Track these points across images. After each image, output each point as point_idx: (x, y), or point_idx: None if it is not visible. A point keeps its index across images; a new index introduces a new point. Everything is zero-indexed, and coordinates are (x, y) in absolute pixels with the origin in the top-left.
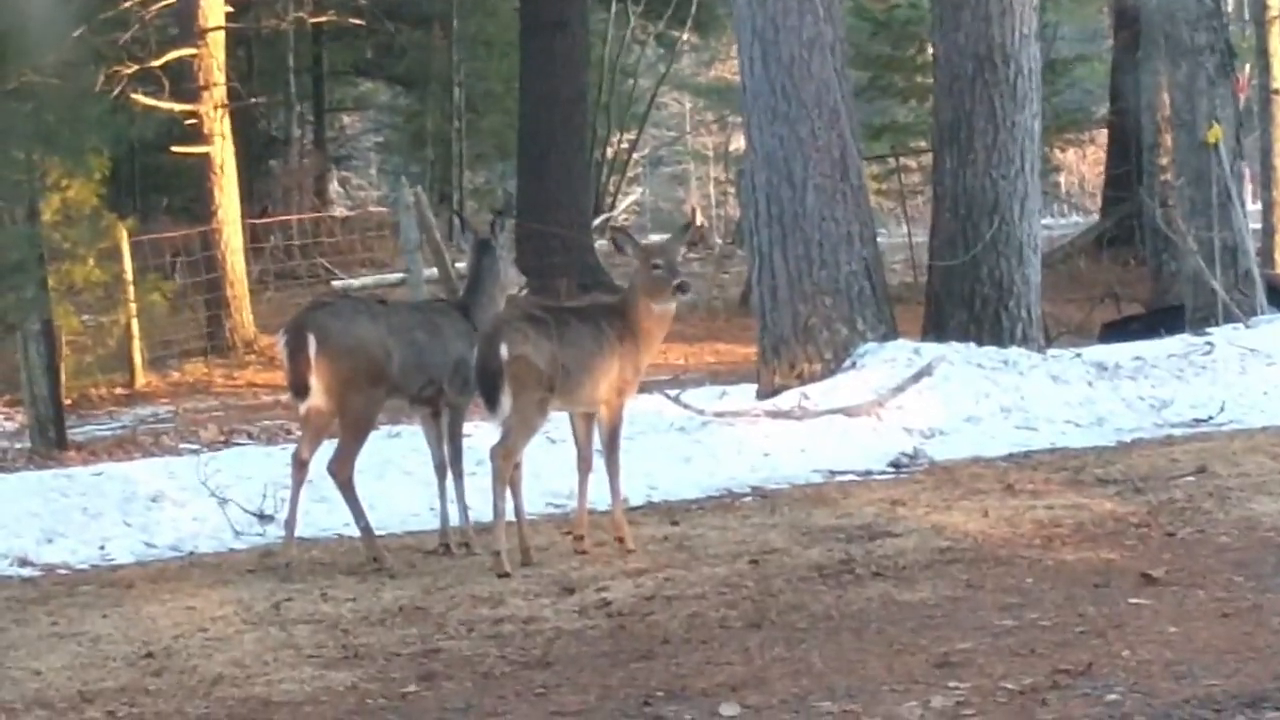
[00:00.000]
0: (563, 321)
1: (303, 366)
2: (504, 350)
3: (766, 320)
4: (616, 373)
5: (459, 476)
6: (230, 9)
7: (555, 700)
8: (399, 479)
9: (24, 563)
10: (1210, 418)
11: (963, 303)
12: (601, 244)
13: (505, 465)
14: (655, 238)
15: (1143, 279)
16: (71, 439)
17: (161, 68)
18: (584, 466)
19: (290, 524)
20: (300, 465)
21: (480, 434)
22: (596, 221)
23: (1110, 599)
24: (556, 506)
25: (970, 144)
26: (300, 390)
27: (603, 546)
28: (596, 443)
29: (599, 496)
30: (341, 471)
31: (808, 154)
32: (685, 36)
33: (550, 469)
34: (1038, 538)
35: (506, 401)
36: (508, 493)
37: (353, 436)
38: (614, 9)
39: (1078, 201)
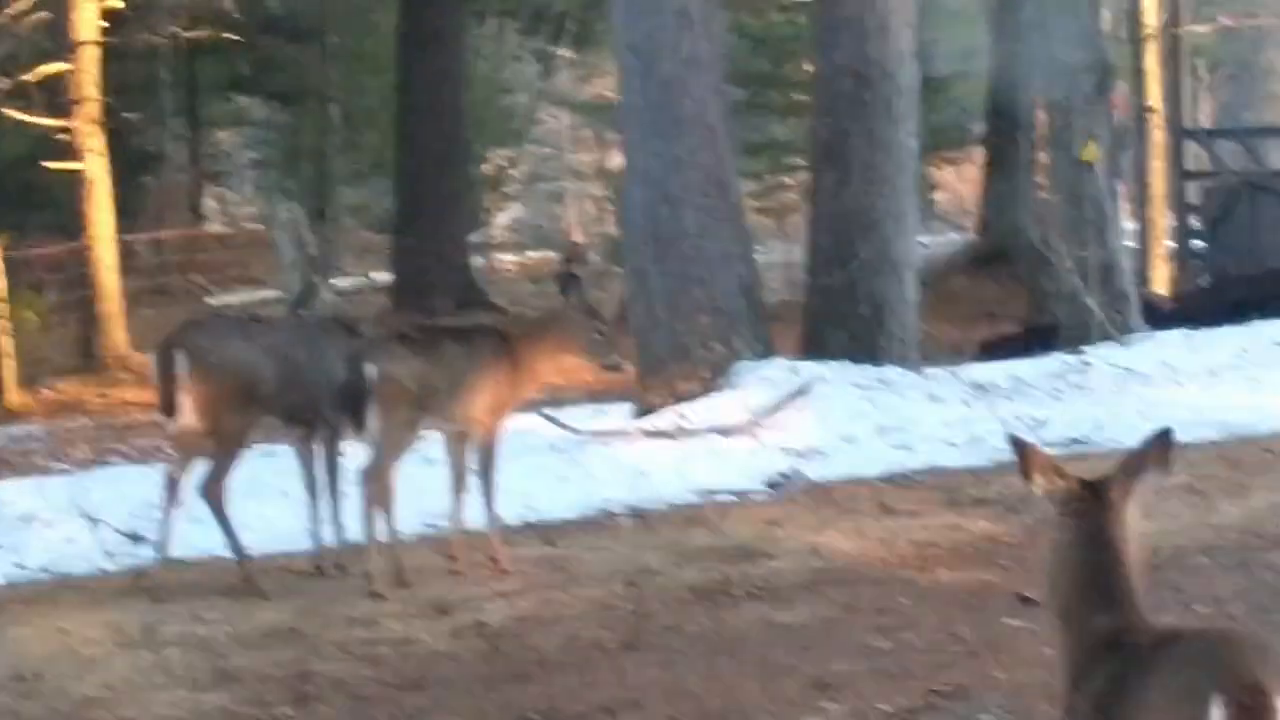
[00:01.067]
0: (434, 340)
1: (172, 385)
2: (371, 370)
3: (643, 339)
4: (491, 392)
5: (334, 497)
6: (104, 24)
7: None
8: (273, 499)
9: None
10: (1087, 437)
11: (840, 321)
12: (478, 261)
13: (376, 486)
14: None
15: (1019, 297)
16: None
17: (34, 83)
18: (459, 486)
19: (162, 545)
20: (172, 485)
21: (355, 454)
22: (473, 238)
23: (986, 620)
24: (432, 527)
25: (847, 162)
26: (170, 409)
27: (478, 567)
28: (472, 463)
29: (474, 517)
30: (213, 492)
31: (685, 172)
32: (563, 52)
33: (426, 489)
34: (914, 558)
35: (374, 421)
36: (380, 514)
37: (224, 456)
38: (493, 25)
39: (955, 219)
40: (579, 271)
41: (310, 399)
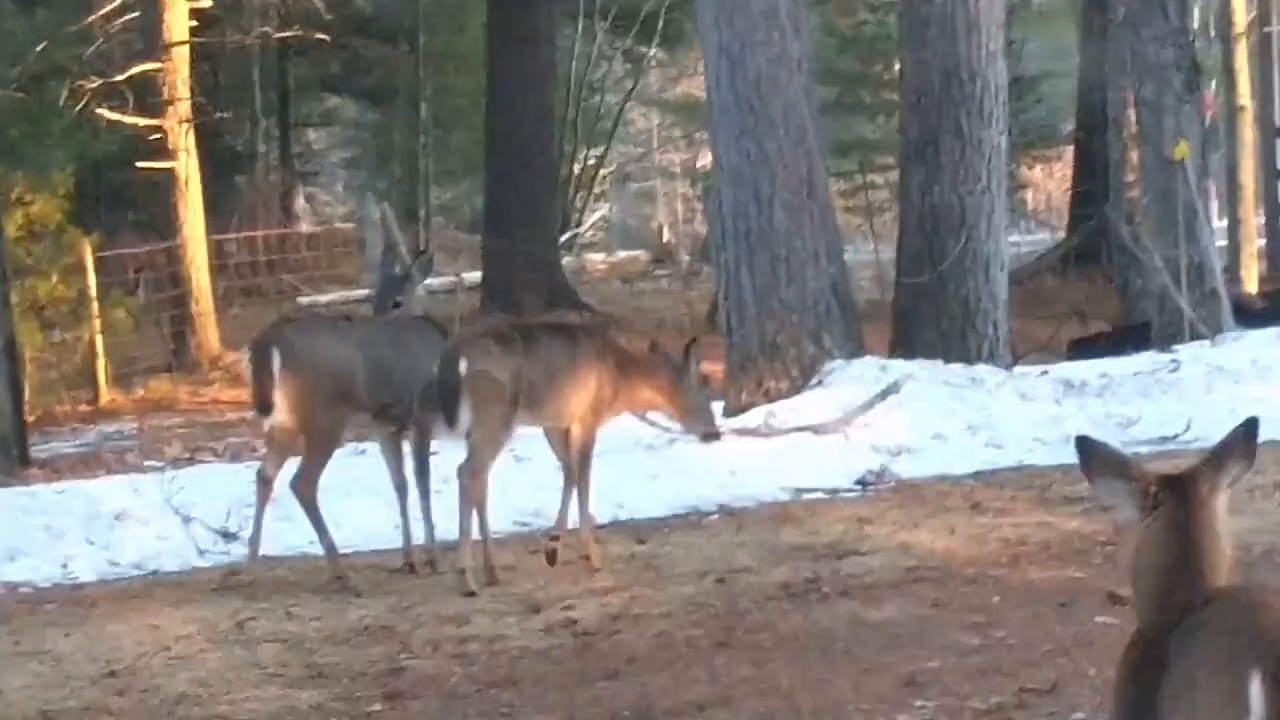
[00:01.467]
0: (530, 337)
1: (267, 383)
2: (464, 366)
3: (733, 337)
4: (591, 390)
5: (425, 494)
6: (195, 23)
7: None
8: (364, 497)
9: None
10: (1176, 435)
11: (930, 320)
12: (568, 260)
13: (473, 483)
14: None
15: (1109, 296)
16: (35, 456)
17: (126, 83)
18: (569, 475)
19: (255, 542)
20: (265, 483)
21: (446, 452)
22: (563, 238)
23: (1076, 618)
24: (523, 525)
25: (937, 161)
26: (264, 407)
27: (569, 565)
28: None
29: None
30: (305, 489)
31: (774, 171)
32: (652, 52)
33: (516, 487)
34: (1004, 556)
35: (466, 417)
36: (475, 511)
37: (317, 454)
38: (581, 25)
39: (1045, 218)
40: (700, 337)
41: (400, 397)
